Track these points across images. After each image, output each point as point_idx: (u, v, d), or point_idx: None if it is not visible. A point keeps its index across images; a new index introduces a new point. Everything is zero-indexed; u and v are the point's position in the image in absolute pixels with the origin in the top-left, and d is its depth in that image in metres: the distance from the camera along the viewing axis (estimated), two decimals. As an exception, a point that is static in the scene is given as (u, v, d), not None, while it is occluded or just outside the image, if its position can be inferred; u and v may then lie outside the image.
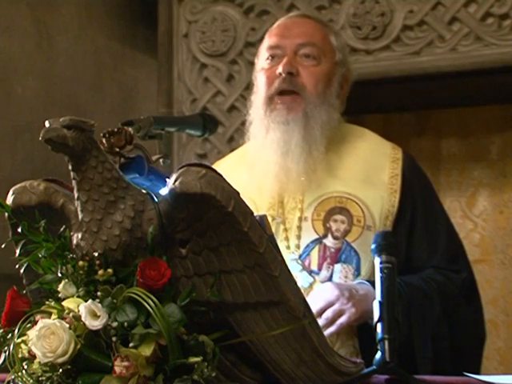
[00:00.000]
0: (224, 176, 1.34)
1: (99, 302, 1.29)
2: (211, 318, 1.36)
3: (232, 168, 2.29)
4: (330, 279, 2.10)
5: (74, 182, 1.36)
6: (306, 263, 2.14)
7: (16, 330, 1.33)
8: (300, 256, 2.15)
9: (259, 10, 4.06)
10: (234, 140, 3.95)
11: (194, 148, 4.12)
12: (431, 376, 1.72)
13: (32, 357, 1.30)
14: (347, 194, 2.18)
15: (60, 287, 1.35)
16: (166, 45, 4.19)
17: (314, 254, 2.14)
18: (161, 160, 1.66)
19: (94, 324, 1.27)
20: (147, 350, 1.27)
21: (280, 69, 2.21)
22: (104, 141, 1.49)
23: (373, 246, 1.64)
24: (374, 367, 1.47)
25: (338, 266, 2.12)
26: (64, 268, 1.36)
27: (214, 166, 1.36)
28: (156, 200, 1.37)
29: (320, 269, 2.13)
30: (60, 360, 1.26)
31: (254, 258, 1.34)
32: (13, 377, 1.33)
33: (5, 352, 1.34)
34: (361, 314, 1.98)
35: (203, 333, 1.33)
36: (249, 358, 1.42)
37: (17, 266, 1.45)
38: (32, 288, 1.46)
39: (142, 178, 1.57)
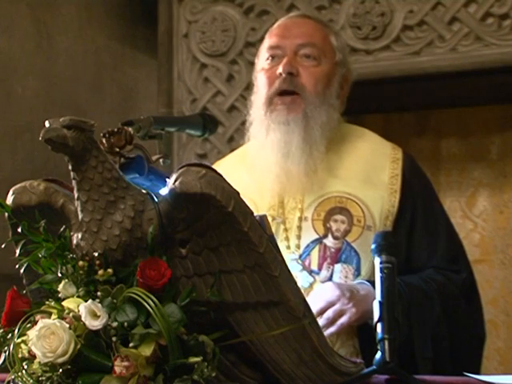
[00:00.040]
0: (224, 176, 1.34)
1: (99, 302, 1.29)
2: (211, 318, 1.36)
3: (232, 168, 2.29)
4: (330, 279, 2.10)
5: (74, 182, 1.36)
6: (306, 263, 2.14)
7: (16, 330, 1.33)
8: (300, 256, 2.15)
9: (259, 9, 4.07)
10: (234, 140, 3.95)
11: (194, 148, 4.12)
12: (431, 376, 1.72)
13: (32, 357, 1.30)
14: (347, 194, 2.18)
15: (60, 287, 1.35)
16: (165, 45, 4.19)
17: (314, 254, 2.14)
18: (161, 160, 1.66)
19: (94, 324, 1.27)
20: (147, 350, 1.27)
21: (280, 69, 2.21)
22: (104, 141, 1.49)
23: (373, 246, 1.64)
24: (374, 367, 1.47)
25: (338, 266, 2.12)
26: (64, 268, 1.36)
27: (214, 166, 1.36)
28: (156, 200, 1.37)
29: (320, 269, 2.13)
30: (60, 360, 1.26)
31: (254, 258, 1.34)
32: (13, 377, 1.33)
33: (5, 352, 1.34)
34: (361, 315, 1.98)
35: (203, 333, 1.33)
36: (249, 358, 1.42)
37: (17, 266, 1.45)
38: (32, 288, 1.46)
39: (142, 178, 1.57)
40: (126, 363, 1.25)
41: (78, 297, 1.34)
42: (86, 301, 1.30)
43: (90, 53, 4.18)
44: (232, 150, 2.70)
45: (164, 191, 1.37)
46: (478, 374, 1.79)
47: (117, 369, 1.25)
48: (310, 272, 2.13)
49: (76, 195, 1.36)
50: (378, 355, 1.47)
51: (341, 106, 2.31)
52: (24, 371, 1.31)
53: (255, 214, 1.36)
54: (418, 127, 4.84)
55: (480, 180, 4.71)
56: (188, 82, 4.15)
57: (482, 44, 3.70)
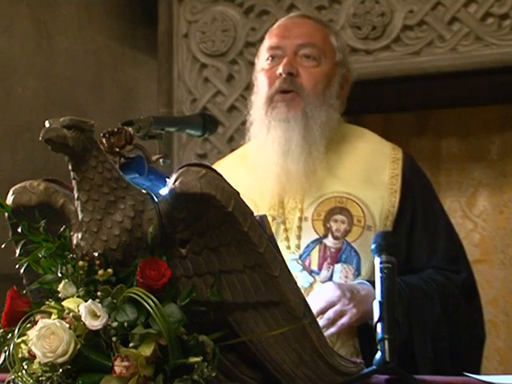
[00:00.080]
0: (224, 176, 1.34)
1: (99, 302, 1.29)
2: (211, 318, 1.36)
3: (232, 168, 2.29)
4: (330, 279, 2.10)
5: (74, 182, 1.36)
6: (307, 263, 2.14)
7: (16, 330, 1.33)
8: (300, 256, 2.15)
9: (259, 9, 4.07)
10: (234, 140, 3.95)
11: (194, 148, 4.12)
12: (431, 376, 1.72)
13: (32, 357, 1.30)
14: (347, 194, 2.18)
15: (60, 287, 1.35)
16: (165, 45, 4.19)
17: (315, 254, 2.14)
18: (161, 160, 1.66)
19: (94, 324, 1.27)
20: (147, 350, 1.27)
21: (280, 69, 2.21)
22: (104, 141, 1.49)
23: (373, 246, 1.64)
24: (374, 367, 1.47)
25: (338, 266, 2.12)
26: (64, 268, 1.36)
27: (214, 166, 1.36)
28: (156, 200, 1.37)
29: (320, 269, 2.13)
30: (60, 360, 1.26)
31: (254, 258, 1.34)
32: (13, 377, 1.33)
33: (5, 352, 1.34)
34: (362, 315, 1.98)
35: (203, 333, 1.33)
36: (249, 358, 1.42)
37: (17, 266, 1.45)
38: (32, 288, 1.46)
39: (142, 178, 1.57)
40: (125, 363, 1.25)
41: (78, 297, 1.34)
42: (85, 301, 1.30)
43: (90, 53, 4.18)
44: (232, 150, 2.70)
45: (164, 191, 1.37)
46: (478, 374, 1.79)
47: (117, 369, 1.26)
48: (310, 272, 2.13)
49: (76, 195, 1.36)
50: (378, 355, 1.47)
51: (341, 106, 2.31)
52: (24, 371, 1.31)
53: (255, 214, 1.36)
54: (418, 127, 4.84)
55: (480, 180, 4.71)
56: (188, 82, 4.15)
57: (482, 44, 3.70)
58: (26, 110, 3.79)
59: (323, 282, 2.09)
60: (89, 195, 1.35)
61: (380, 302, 1.54)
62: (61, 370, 1.28)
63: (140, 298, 1.28)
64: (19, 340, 1.32)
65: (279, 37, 2.29)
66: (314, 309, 1.88)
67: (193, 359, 1.28)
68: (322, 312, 1.98)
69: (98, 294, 1.31)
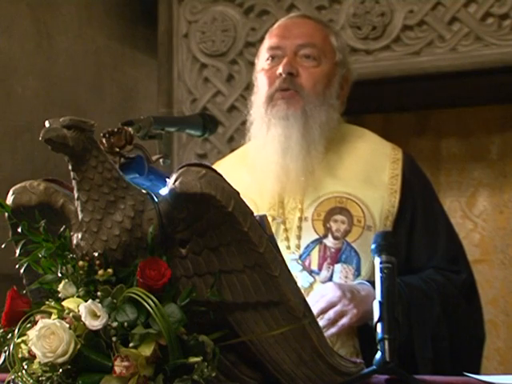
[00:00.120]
0: (224, 176, 1.34)
1: (99, 302, 1.29)
2: (211, 318, 1.36)
3: (232, 168, 2.30)
4: (330, 279, 2.11)
5: (74, 182, 1.36)
6: (307, 263, 2.14)
7: (16, 330, 1.33)
8: (300, 256, 2.15)
9: (259, 9, 4.06)
10: (234, 140, 3.95)
11: (194, 148, 4.12)
12: (431, 376, 1.72)
13: (32, 357, 1.30)
14: (347, 194, 2.18)
15: (60, 287, 1.35)
16: (165, 45, 4.19)
17: (315, 254, 2.14)
18: (161, 160, 1.66)
19: (94, 324, 1.27)
20: (147, 350, 1.27)
21: (280, 69, 2.21)
22: (104, 141, 1.49)
23: (373, 246, 1.64)
24: (374, 367, 1.47)
25: (338, 266, 2.12)
26: (64, 268, 1.36)
27: (214, 166, 1.36)
28: (156, 200, 1.37)
29: (320, 269, 2.13)
30: (60, 360, 1.26)
31: (254, 258, 1.34)
32: (13, 377, 1.33)
33: (5, 352, 1.34)
34: (362, 315, 1.98)
35: (203, 333, 1.33)
36: (249, 358, 1.42)
37: (17, 266, 1.45)
38: (32, 288, 1.46)
39: (142, 178, 1.57)
40: (126, 363, 1.25)
41: (78, 297, 1.34)
42: (85, 301, 1.30)
43: (90, 53, 4.18)
44: (232, 150, 2.70)
45: (164, 191, 1.37)
46: (477, 374, 1.79)
47: (117, 369, 1.25)
48: (310, 272, 2.13)
49: (76, 195, 1.36)
50: (378, 355, 1.47)
51: (341, 106, 2.32)
52: (24, 371, 1.31)
53: (255, 214, 1.36)
54: (418, 127, 4.84)
55: (480, 180, 4.71)
56: (188, 82, 4.15)
57: (482, 44, 3.70)
58: (26, 110, 3.79)
59: (323, 282, 2.09)
60: (89, 195, 1.35)
61: (380, 302, 1.54)
62: (61, 370, 1.28)
63: (140, 298, 1.28)
64: (19, 340, 1.32)
65: (279, 37, 2.29)
66: (315, 309, 1.88)
67: (193, 359, 1.28)
68: (323, 312, 1.98)
69: (98, 294, 1.31)
